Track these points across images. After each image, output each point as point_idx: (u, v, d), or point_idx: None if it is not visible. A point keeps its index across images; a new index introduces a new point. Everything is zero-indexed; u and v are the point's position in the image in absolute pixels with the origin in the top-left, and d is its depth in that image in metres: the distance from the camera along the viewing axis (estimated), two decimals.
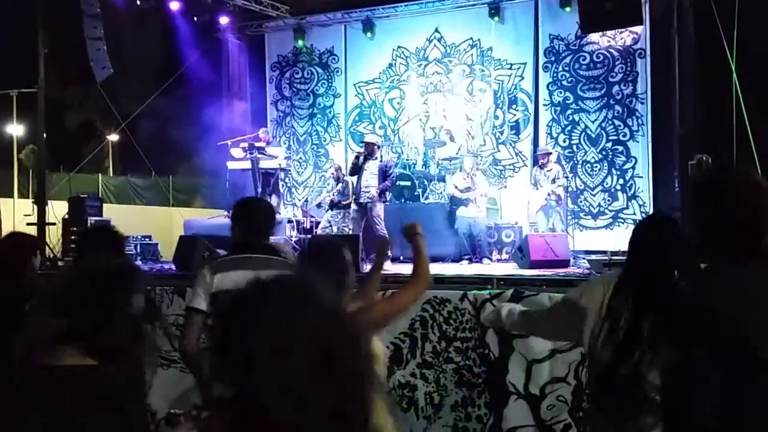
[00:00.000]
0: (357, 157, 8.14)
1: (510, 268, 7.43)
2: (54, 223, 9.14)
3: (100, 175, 17.50)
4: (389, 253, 2.91)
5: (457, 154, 9.79)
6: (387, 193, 8.10)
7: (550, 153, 9.20)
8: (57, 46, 8.70)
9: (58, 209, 9.32)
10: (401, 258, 8.30)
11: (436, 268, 7.16)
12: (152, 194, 17.05)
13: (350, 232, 8.92)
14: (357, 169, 8.06)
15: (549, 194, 8.73)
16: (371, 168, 7.93)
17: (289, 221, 9.49)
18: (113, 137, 17.41)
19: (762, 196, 1.78)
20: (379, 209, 7.83)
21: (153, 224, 11.93)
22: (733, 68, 6.85)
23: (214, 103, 12.76)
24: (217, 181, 12.95)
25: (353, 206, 8.07)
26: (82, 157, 12.67)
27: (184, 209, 15.39)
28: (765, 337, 1.66)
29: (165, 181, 17.48)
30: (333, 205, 9.38)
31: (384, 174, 7.92)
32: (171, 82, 11.91)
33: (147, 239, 9.68)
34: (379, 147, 8.28)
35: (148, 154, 13.54)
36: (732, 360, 1.66)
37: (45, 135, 9.28)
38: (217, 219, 10.78)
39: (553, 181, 8.82)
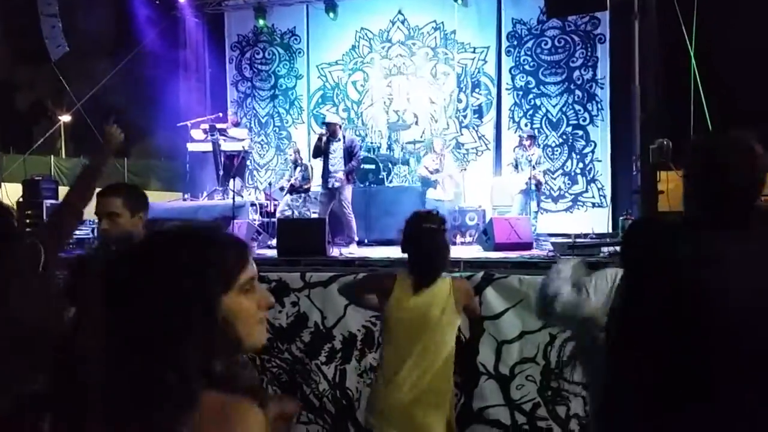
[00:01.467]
0: (320, 139, 7.97)
1: (475, 251, 7.49)
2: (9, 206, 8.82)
3: (52, 156, 16.98)
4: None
5: (420, 137, 9.80)
6: (354, 173, 8.00)
7: (534, 136, 9.26)
8: (9, 24, 8.36)
9: (12, 192, 9.02)
10: (365, 241, 8.33)
11: (398, 252, 7.19)
12: (106, 177, 16.63)
13: (311, 216, 8.88)
14: (320, 151, 7.95)
15: (530, 178, 8.78)
16: (336, 150, 7.81)
17: (252, 204, 9.38)
18: (66, 118, 16.90)
19: (756, 163, 1.78)
20: (347, 192, 7.75)
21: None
22: (692, 53, 6.99)
23: (172, 84, 12.47)
24: (174, 163, 12.71)
25: (321, 189, 7.96)
26: (33, 138, 12.23)
27: None
28: (738, 318, 1.70)
29: (120, 162, 17.07)
30: (293, 189, 9.30)
31: (349, 154, 7.81)
32: (126, 61, 11.57)
33: (99, 223, 9.44)
34: (341, 127, 8.12)
35: (102, 135, 13.16)
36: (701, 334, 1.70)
37: None
38: (177, 202, 10.59)
39: (535, 165, 8.86)
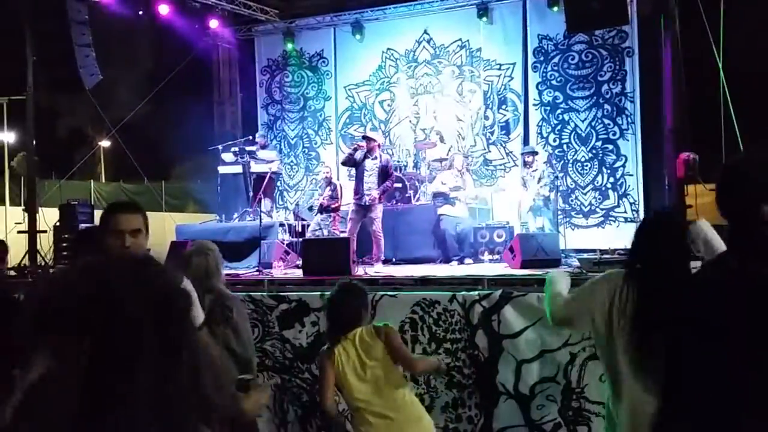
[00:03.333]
0: (355, 149, 7.87)
1: (501, 268, 7.44)
2: (45, 231, 9.11)
3: (92, 181, 17.45)
4: None
5: (447, 154, 9.80)
6: (386, 194, 7.97)
7: (535, 152, 9.17)
8: (46, 54, 8.67)
9: (49, 216, 9.30)
10: (393, 259, 8.33)
11: (427, 270, 7.19)
12: (144, 200, 16.99)
13: (341, 235, 8.93)
14: (352, 162, 7.86)
15: (536, 195, 8.73)
16: (371, 168, 7.72)
17: (281, 225, 9.48)
18: (104, 143, 17.37)
19: None
20: (378, 211, 7.72)
21: None
22: (720, 66, 6.88)
23: (205, 108, 12.78)
24: (209, 185, 12.93)
25: (352, 206, 7.91)
26: (73, 163, 12.62)
27: (177, 214, 15.37)
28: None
29: (157, 186, 17.45)
30: (322, 209, 9.37)
31: (385, 174, 7.75)
32: (161, 86, 11.89)
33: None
34: (380, 146, 8.02)
35: (140, 160, 13.52)
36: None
37: (35, 142, 9.26)
38: (209, 224, 10.78)
39: (539, 181, 8.82)
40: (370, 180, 7.66)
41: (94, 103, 10.16)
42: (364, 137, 8.00)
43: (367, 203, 7.62)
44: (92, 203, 10.61)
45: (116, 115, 12.22)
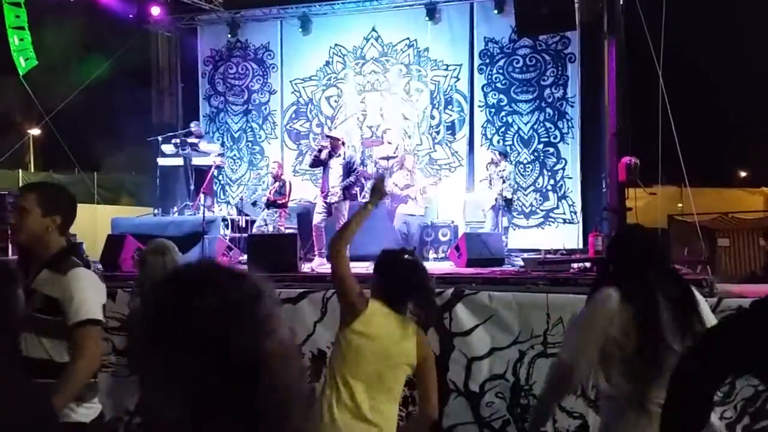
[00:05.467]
0: (320, 151, 7.92)
1: (447, 267, 7.51)
2: None
3: (20, 170, 16.65)
4: (384, 191, 2.89)
5: (394, 152, 9.82)
6: (352, 189, 7.96)
7: (504, 152, 9.29)
8: None
9: None
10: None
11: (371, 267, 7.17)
12: (76, 191, 16.28)
13: (286, 231, 8.83)
14: (320, 163, 7.90)
15: (499, 195, 8.80)
16: (336, 166, 7.78)
17: (224, 220, 9.28)
18: (34, 131, 16.61)
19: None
20: (344, 208, 7.72)
21: (77, 222, 11.39)
22: (660, 72, 7.11)
23: (143, 98, 12.38)
24: (145, 177, 12.55)
25: (320, 203, 7.90)
26: (1, 152, 11.99)
27: (110, 207, 14.84)
28: None
29: (89, 177, 16.80)
30: (270, 204, 9.23)
31: (348, 170, 7.80)
32: (97, 74, 11.44)
33: (72, 237, 9.27)
34: (343, 144, 8.08)
35: (72, 149, 13.00)
36: None
37: None
38: (147, 217, 10.45)
39: (504, 181, 8.89)
40: (335, 178, 7.71)
41: (26, 89, 9.68)
42: (328, 137, 8.10)
43: (331, 201, 7.67)
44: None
45: (48, 102, 11.69)
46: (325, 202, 7.78)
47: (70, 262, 2.57)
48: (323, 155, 7.81)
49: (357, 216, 2.85)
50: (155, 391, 0.93)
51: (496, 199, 8.78)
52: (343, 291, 2.69)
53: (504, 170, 8.93)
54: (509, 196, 8.81)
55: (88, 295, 2.51)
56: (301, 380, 1.02)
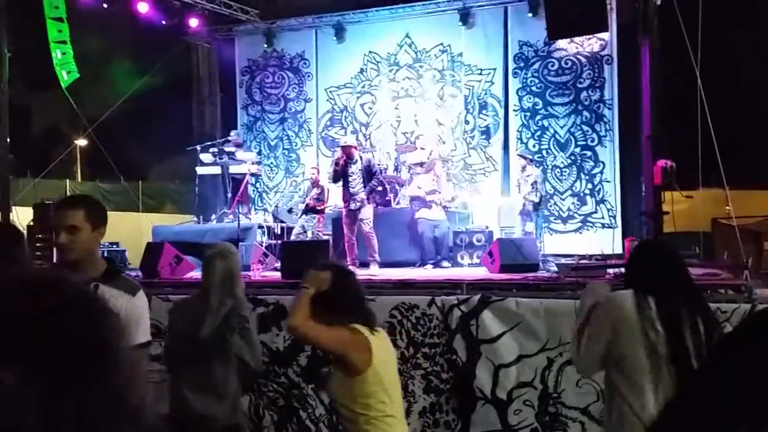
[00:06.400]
0: (336, 163, 7.97)
1: (480, 273, 7.45)
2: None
3: (67, 180, 17.19)
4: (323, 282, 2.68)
5: (427, 158, 9.81)
6: (375, 193, 7.98)
7: (526, 157, 9.23)
8: (21, 50, 8.53)
9: (24, 216, 9.12)
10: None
11: (404, 273, 7.17)
12: (121, 199, 16.78)
13: (324, 237, 8.89)
14: (339, 175, 7.94)
15: (526, 200, 8.74)
16: (355, 172, 7.80)
17: (260, 227, 9.41)
18: (81, 142, 17.11)
19: None
20: (368, 212, 7.73)
21: (122, 230, 11.72)
22: (698, 73, 6.94)
23: (184, 108, 12.67)
24: (187, 186, 12.83)
25: (344, 212, 7.96)
26: (49, 162, 12.40)
27: (154, 215, 15.20)
28: None
29: (134, 186, 17.23)
30: (308, 210, 9.32)
31: (368, 174, 7.80)
32: (139, 85, 11.75)
33: (114, 246, 9.53)
34: (357, 149, 8.10)
35: (117, 159, 13.35)
36: None
37: (8, 140, 9.08)
38: (186, 225, 10.66)
39: (532, 186, 8.82)
40: (356, 184, 7.73)
41: (70, 101, 9.99)
42: (340, 146, 8.13)
43: (355, 207, 7.69)
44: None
45: (93, 113, 12.05)
46: (349, 210, 7.81)
47: (131, 281, 2.62)
48: (340, 166, 7.85)
49: (297, 300, 2.59)
50: None
51: (524, 205, 8.69)
52: (338, 350, 2.52)
53: (530, 175, 8.84)
54: (536, 201, 8.71)
55: (146, 318, 2.56)
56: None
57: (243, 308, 3.32)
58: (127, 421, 0.97)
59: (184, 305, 3.56)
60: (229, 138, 10.60)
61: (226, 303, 3.22)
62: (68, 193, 16.11)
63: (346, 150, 7.90)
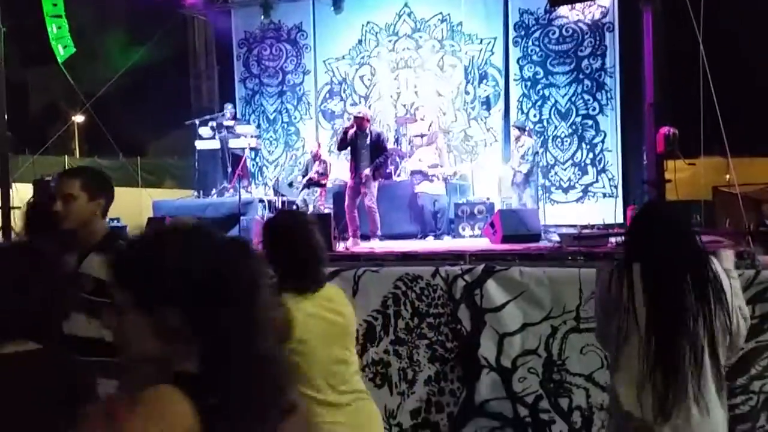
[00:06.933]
0: (345, 132, 7.87)
1: (483, 243, 7.47)
2: (19, 207, 8.92)
3: (66, 156, 17.12)
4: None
5: (428, 130, 9.76)
6: (382, 168, 7.87)
7: (523, 128, 9.19)
8: (17, 25, 8.42)
9: (23, 192, 9.10)
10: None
11: (407, 245, 7.19)
12: (120, 175, 16.69)
13: (326, 211, 8.89)
14: (346, 144, 7.83)
15: (516, 170, 8.75)
16: (363, 145, 7.70)
17: (260, 201, 9.40)
18: (78, 118, 17.02)
19: None
20: (373, 187, 7.67)
21: (122, 206, 11.67)
22: (700, 40, 6.87)
23: (181, 82, 12.55)
24: (186, 160, 12.78)
25: (350, 183, 7.91)
26: (47, 139, 12.33)
27: (153, 190, 15.13)
28: None
29: (133, 161, 17.17)
30: (311, 183, 9.30)
31: (377, 148, 7.69)
32: (136, 60, 11.64)
33: (115, 221, 9.52)
34: (368, 121, 7.93)
35: (115, 135, 13.28)
36: None
37: (6, 118, 9.02)
38: (187, 199, 10.65)
39: (523, 156, 8.83)
40: (364, 157, 7.66)
41: (67, 77, 9.90)
42: (353, 116, 7.97)
43: (362, 180, 7.65)
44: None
45: (90, 89, 11.96)
46: (355, 183, 7.76)
47: (121, 246, 2.63)
48: (350, 135, 7.75)
49: None
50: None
51: (514, 175, 8.69)
52: None
53: (523, 146, 8.82)
54: (524, 171, 8.71)
55: None
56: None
57: None
58: (268, 351, 1.21)
59: None
60: (224, 112, 10.54)
61: None
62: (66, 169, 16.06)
63: (358, 121, 7.76)
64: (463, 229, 8.76)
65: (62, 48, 8.38)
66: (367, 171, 7.63)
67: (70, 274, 1.91)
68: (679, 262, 2.35)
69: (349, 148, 7.90)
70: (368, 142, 7.70)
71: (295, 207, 9.17)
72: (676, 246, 2.38)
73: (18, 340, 1.68)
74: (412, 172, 8.87)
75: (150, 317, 1.15)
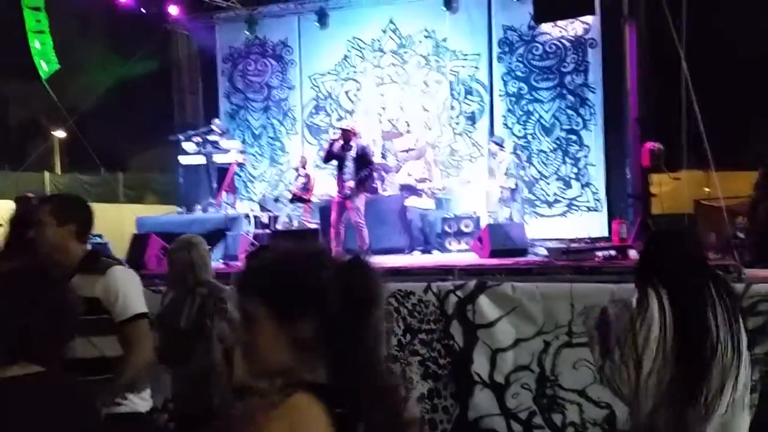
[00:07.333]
0: (331, 144, 7.80)
1: (471, 258, 7.47)
2: (0, 224, 8.78)
3: (46, 172, 16.92)
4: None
5: (414, 144, 9.79)
6: (367, 182, 7.80)
7: (498, 143, 9.23)
8: None
9: (3, 208, 8.96)
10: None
11: (395, 260, 7.17)
12: (102, 191, 16.57)
13: (310, 226, 8.85)
14: (331, 157, 7.78)
15: (502, 186, 8.79)
16: (348, 158, 7.64)
17: (246, 216, 9.34)
18: (60, 134, 16.87)
19: None
20: (359, 201, 7.58)
21: (103, 222, 11.55)
22: (682, 55, 6.98)
23: (165, 97, 12.48)
24: (170, 176, 12.69)
25: (336, 199, 7.83)
26: (28, 155, 12.20)
27: (136, 206, 15.02)
28: None
29: (115, 177, 17.03)
30: (295, 199, 9.26)
31: (362, 161, 7.61)
32: (119, 76, 11.57)
33: (97, 238, 9.40)
34: (355, 134, 7.86)
35: (97, 150, 13.17)
36: None
37: None
38: (171, 215, 10.55)
39: (505, 172, 8.86)
40: (348, 170, 7.60)
41: (50, 92, 9.81)
42: (339, 129, 7.93)
43: (345, 194, 7.58)
44: (48, 195, 10.29)
45: (72, 104, 11.86)
46: (341, 197, 7.71)
47: (104, 261, 2.69)
48: (335, 148, 7.70)
49: None
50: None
51: (501, 192, 8.74)
52: None
53: (502, 161, 8.87)
54: (512, 186, 8.75)
55: (131, 289, 2.64)
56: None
57: (220, 292, 3.36)
58: (374, 358, 1.28)
59: (165, 297, 3.65)
60: (212, 127, 10.48)
61: (199, 291, 3.27)
62: (47, 185, 15.89)
63: (345, 134, 7.71)
64: (450, 244, 8.78)
65: (45, 64, 8.31)
66: (351, 183, 7.57)
67: (76, 297, 1.90)
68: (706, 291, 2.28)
69: (335, 161, 7.85)
70: (354, 155, 7.65)
71: (282, 223, 9.13)
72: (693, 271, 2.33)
73: (22, 362, 1.65)
74: (401, 187, 8.87)
75: (287, 329, 1.24)
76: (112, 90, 11.63)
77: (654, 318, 2.25)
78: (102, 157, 13.89)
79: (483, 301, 4.48)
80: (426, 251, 8.29)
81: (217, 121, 10.70)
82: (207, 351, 3.26)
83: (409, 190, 8.62)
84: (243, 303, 1.28)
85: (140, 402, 2.68)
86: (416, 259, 7.79)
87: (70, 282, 2.56)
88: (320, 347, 1.23)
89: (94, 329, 2.53)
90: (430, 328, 4.58)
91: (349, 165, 7.61)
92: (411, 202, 8.52)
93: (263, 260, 1.33)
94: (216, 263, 7.51)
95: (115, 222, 12.28)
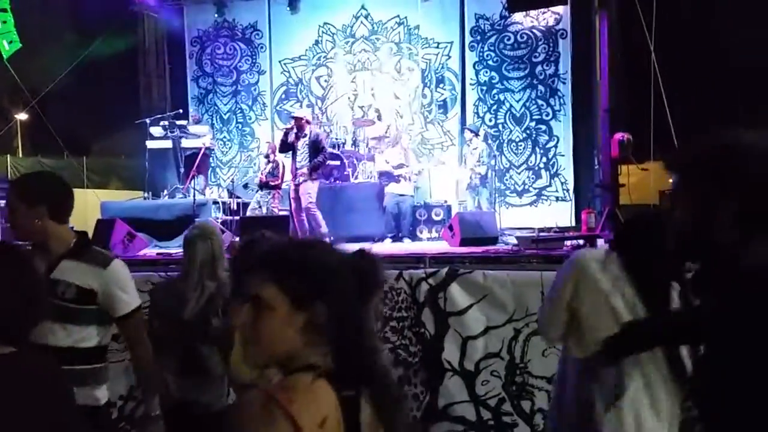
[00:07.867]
0: (286, 134, 7.77)
1: (441, 246, 7.48)
2: None
3: (9, 156, 16.46)
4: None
5: (386, 132, 9.75)
6: (319, 169, 7.80)
7: (474, 131, 9.27)
8: None
9: None
10: (331, 238, 8.24)
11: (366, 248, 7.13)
12: (65, 175, 16.10)
13: (280, 213, 8.77)
14: (287, 146, 7.77)
15: (473, 173, 8.85)
16: (302, 146, 7.62)
17: (215, 202, 9.21)
18: (22, 116, 16.41)
19: None
20: (311, 188, 7.59)
21: None
22: (652, 48, 7.06)
23: (131, 80, 12.21)
24: (135, 161, 12.44)
25: (291, 186, 7.79)
26: None
27: (100, 191, 14.69)
28: None
29: (78, 161, 16.64)
30: (263, 185, 9.16)
31: (315, 149, 7.61)
32: (84, 57, 11.26)
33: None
34: (309, 122, 7.86)
35: (60, 134, 12.83)
36: None
37: None
38: (137, 201, 10.36)
39: (478, 159, 8.92)
40: (302, 158, 7.58)
41: (12, 73, 9.51)
42: (293, 117, 7.88)
43: (299, 182, 7.55)
44: (9, 179, 10.02)
45: (35, 85, 11.53)
46: (296, 184, 7.67)
47: (103, 254, 2.60)
48: (290, 137, 7.66)
49: None
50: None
51: (471, 178, 8.77)
52: None
53: (476, 148, 8.91)
54: (483, 173, 8.81)
55: (129, 284, 2.61)
56: None
57: (227, 291, 3.23)
58: (375, 341, 1.35)
59: (166, 287, 3.50)
60: (190, 115, 10.33)
61: (208, 285, 3.14)
62: (9, 170, 15.47)
63: (298, 121, 7.69)
64: (421, 232, 8.78)
65: (7, 43, 8.05)
66: (304, 170, 7.54)
67: (44, 279, 1.83)
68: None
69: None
70: (306, 144, 7.62)
71: (251, 209, 9.03)
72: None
73: None
74: (380, 174, 8.85)
75: (302, 313, 1.27)
76: (77, 71, 11.30)
77: (585, 268, 2.21)
78: (65, 141, 13.53)
79: (454, 288, 4.47)
80: (397, 239, 8.28)
81: (192, 111, 10.53)
82: (208, 347, 3.14)
83: (387, 176, 8.61)
84: (256, 289, 1.29)
85: (101, 394, 2.58)
86: (387, 247, 7.77)
87: (58, 266, 2.50)
88: (330, 332, 1.27)
89: (75, 317, 2.45)
90: (402, 315, 4.57)
91: (303, 153, 7.58)
92: (391, 188, 8.53)
93: (274, 247, 1.35)
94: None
95: (80, 207, 11.94)
